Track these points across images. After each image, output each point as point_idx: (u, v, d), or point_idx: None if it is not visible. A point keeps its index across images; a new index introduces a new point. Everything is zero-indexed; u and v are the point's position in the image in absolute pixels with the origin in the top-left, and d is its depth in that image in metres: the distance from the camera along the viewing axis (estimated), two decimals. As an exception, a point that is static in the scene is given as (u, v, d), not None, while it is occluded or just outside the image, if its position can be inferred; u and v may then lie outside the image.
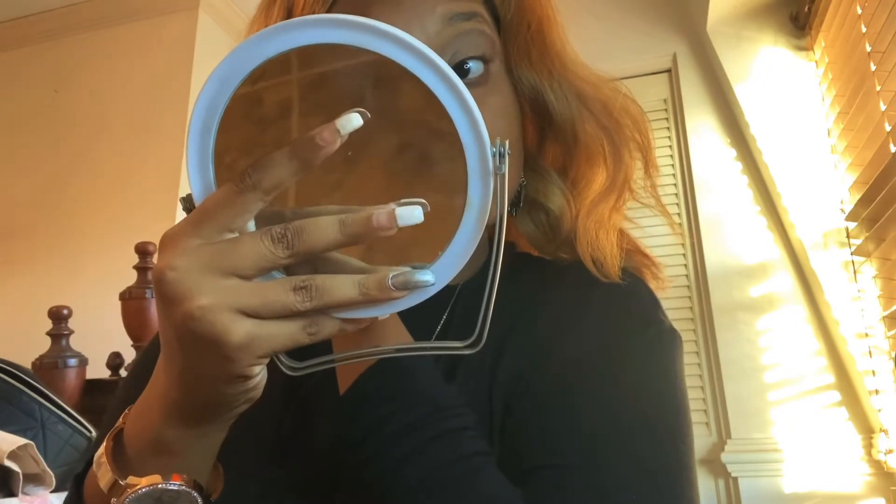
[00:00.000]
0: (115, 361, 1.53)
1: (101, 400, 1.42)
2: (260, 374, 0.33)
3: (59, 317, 1.47)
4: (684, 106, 1.91)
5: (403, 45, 0.31)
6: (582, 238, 0.50)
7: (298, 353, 0.35)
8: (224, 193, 0.31)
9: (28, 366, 1.33)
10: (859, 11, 1.43)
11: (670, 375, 0.46)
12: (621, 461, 0.40)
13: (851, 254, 1.57)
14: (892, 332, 1.42)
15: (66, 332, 1.48)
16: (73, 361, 1.46)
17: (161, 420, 0.35)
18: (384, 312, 0.34)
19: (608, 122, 0.52)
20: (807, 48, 1.73)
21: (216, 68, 0.32)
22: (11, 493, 1.00)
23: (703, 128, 1.88)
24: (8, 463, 0.98)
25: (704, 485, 1.71)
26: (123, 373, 1.52)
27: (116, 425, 0.38)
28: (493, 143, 0.33)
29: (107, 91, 2.23)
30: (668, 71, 2.00)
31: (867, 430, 1.58)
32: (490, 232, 0.51)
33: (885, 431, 1.50)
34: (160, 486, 0.35)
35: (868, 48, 1.40)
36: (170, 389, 0.34)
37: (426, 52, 0.31)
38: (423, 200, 0.32)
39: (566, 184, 0.53)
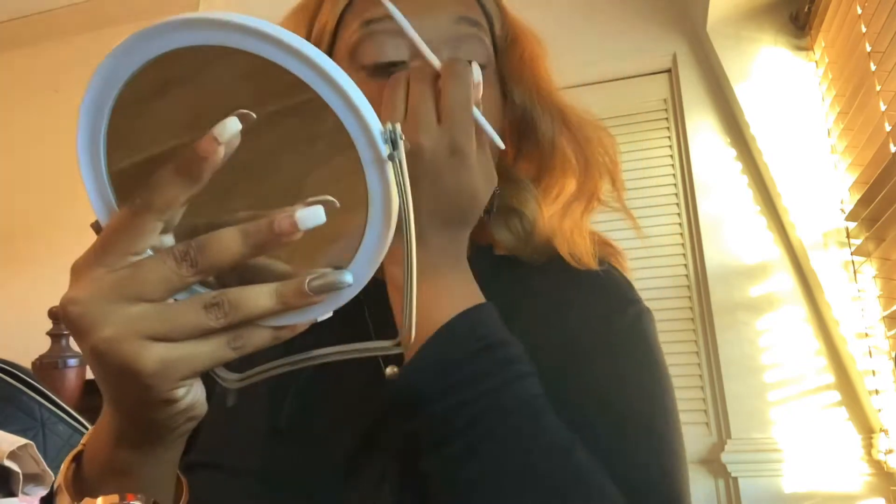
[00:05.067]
0: (115, 361, 1.52)
1: (100, 400, 1.41)
2: (190, 395, 0.32)
3: (59, 317, 1.47)
4: (684, 106, 1.91)
5: (271, 41, 0.29)
6: (559, 237, 0.54)
7: (247, 359, 0.34)
8: (120, 218, 0.30)
9: (28, 366, 1.33)
10: (859, 11, 1.43)
11: (654, 346, 0.51)
12: (629, 425, 0.44)
13: (851, 254, 1.57)
14: (892, 332, 1.42)
15: (66, 332, 1.48)
16: (73, 361, 1.46)
17: (112, 445, 0.35)
18: (311, 317, 0.33)
19: (584, 142, 0.56)
20: (807, 48, 1.73)
21: (88, 87, 0.31)
22: (11, 493, 1.00)
23: (703, 128, 1.88)
24: (8, 463, 0.98)
25: (704, 485, 1.71)
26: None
27: (76, 448, 0.39)
28: (384, 130, 0.31)
29: (107, 91, 2.23)
30: (668, 71, 2.00)
31: (867, 430, 1.58)
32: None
33: (885, 431, 1.50)
34: None
35: (868, 48, 1.40)
36: (111, 416, 0.34)
37: (296, 44, 0.29)
38: (330, 198, 0.30)
39: (538, 192, 0.57)
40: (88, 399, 1.44)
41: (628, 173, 1.94)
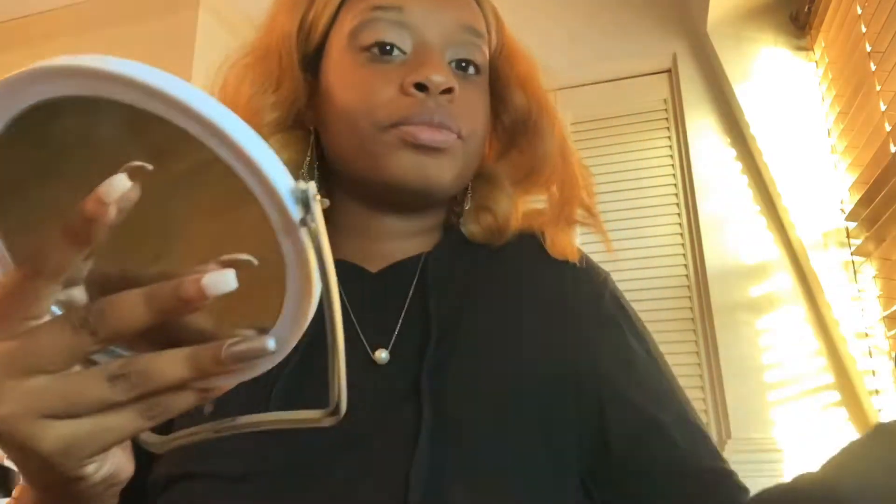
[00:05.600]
0: (115, 361, 1.52)
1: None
2: (104, 468, 0.30)
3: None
4: (684, 106, 1.91)
5: (157, 96, 0.25)
6: (558, 244, 0.58)
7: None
8: (12, 282, 0.27)
9: (28, 366, 1.33)
10: (859, 11, 1.43)
11: (637, 320, 0.57)
12: (687, 417, 0.51)
13: (851, 254, 1.57)
14: (892, 332, 1.42)
15: (66, 332, 1.48)
16: (73, 361, 1.45)
17: None
18: (233, 382, 0.30)
19: (569, 163, 0.60)
20: (807, 48, 1.73)
21: None
22: (11, 493, 1.00)
23: (703, 128, 1.88)
24: (8, 463, 0.98)
25: (704, 485, 1.71)
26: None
27: (10, 500, 0.37)
28: (295, 187, 0.26)
29: (107, 91, 2.23)
30: (668, 71, 2.00)
31: (867, 430, 1.58)
32: (438, 220, 0.60)
33: (885, 431, 1.50)
34: None
35: (868, 48, 1.40)
36: (32, 492, 0.32)
37: (182, 96, 0.24)
38: (245, 257, 0.27)
39: (517, 192, 0.60)
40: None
41: (628, 173, 1.94)
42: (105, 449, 0.28)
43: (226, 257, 0.27)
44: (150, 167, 0.25)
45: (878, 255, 1.46)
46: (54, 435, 0.26)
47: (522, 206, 0.61)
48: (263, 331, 0.29)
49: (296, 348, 0.39)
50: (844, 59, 1.53)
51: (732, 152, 1.84)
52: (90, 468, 0.29)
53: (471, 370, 0.48)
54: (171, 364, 0.27)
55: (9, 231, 0.29)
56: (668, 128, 1.96)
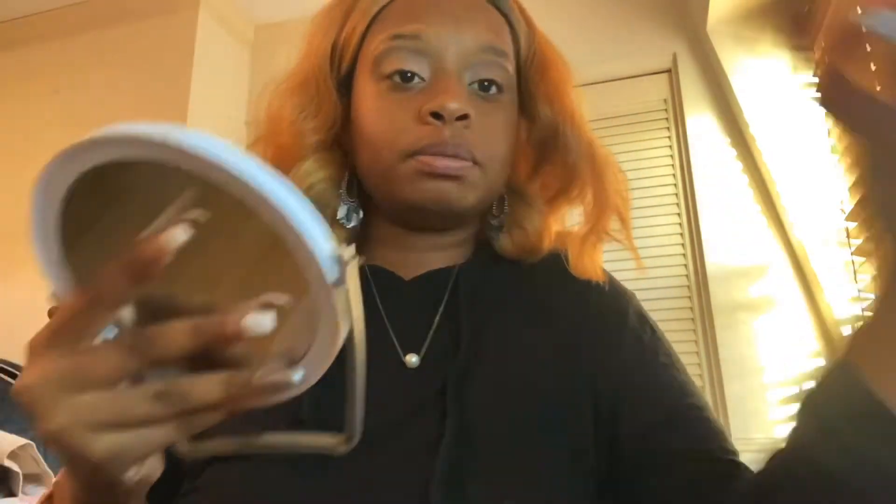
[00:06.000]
0: (115, 361, 1.52)
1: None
2: (143, 470, 0.33)
3: (59, 317, 1.47)
4: (684, 106, 1.91)
5: (217, 167, 0.28)
6: (584, 263, 0.58)
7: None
8: (73, 306, 0.31)
9: (28, 366, 1.33)
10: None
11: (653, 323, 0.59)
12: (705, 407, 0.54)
13: (851, 254, 1.57)
14: (892, 332, 1.42)
15: (66, 332, 1.48)
16: (73, 361, 1.45)
17: (72, 501, 0.36)
18: (254, 405, 0.33)
19: (603, 178, 0.59)
20: (807, 48, 1.73)
21: (36, 181, 0.32)
22: (11, 493, 1.00)
23: (703, 128, 1.88)
24: (8, 463, 0.98)
25: (704, 485, 1.71)
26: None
27: (46, 492, 0.41)
28: (333, 251, 0.29)
29: (107, 91, 2.23)
30: (668, 71, 2.00)
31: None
32: (470, 233, 0.61)
33: (885, 431, 1.50)
34: None
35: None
36: (72, 488, 0.36)
37: (236, 169, 0.27)
38: (284, 301, 0.31)
39: (552, 208, 0.60)
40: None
41: (628, 173, 1.93)
42: (146, 457, 0.32)
43: (264, 299, 0.31)
44: (203, 219, 0.29)
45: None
46: (103, 445, 0.30)
47: (558, 225, 0.61)
48: (292, 360, 0.32)
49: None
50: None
51: (732, 152, 1.84)
52: (131, 472, 0.32)
53: (495, 380, 0.50)
54: (207, 387, 0.31)
55: (77, 265, 0.33)
56: (668, 128, 1.96)
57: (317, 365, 0.33)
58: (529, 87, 0.59)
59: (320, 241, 0.29)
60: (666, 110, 1.98)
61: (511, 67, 0.56)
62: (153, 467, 0.35)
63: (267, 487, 0.45)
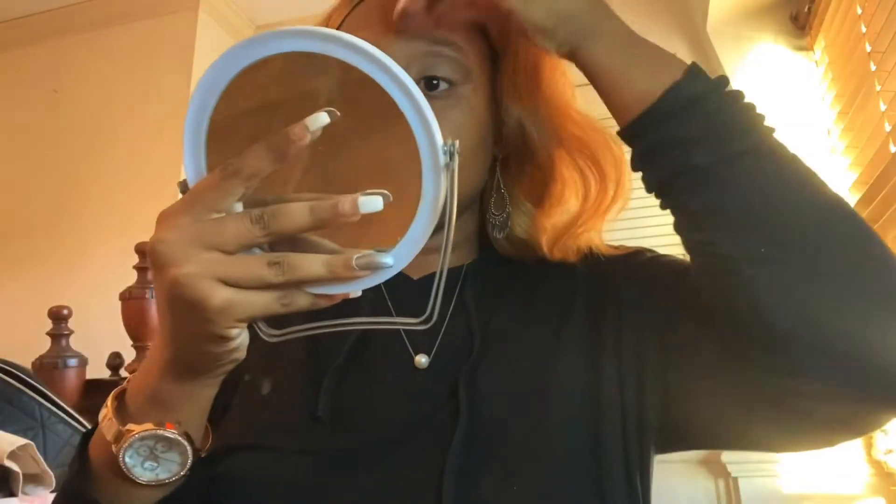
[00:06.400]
0: (115, 361, 1.53)
1: (101, 400, 1.41)
2: (240, 336, 0.38)
3: (59, 317, 1.47)
4: (684, 106, 1.91)
5: (365, 55, 0.35)
6: (560, 254, 0.56)
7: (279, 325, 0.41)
8: (211, 179, 0.35)
9: (28, 366, 1.33)
10: (859, 11, 1.43)
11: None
12: None
13: (851, 254, 1.57)
14: (892, 332, 1.42)
15: (66, 332, 1.48)
16: (73, 361, 1.46)
17: (158, 376, 0.40)
18: (350, 289, 0.38)
19: (584, 162, 0.56)
20: (807, 48, 1.73)
21: (206, 71, 0.36)
22: (11, 493, 1.00)
23: (703, 128, 1.88)
24: (8, 463, 0.98)
25: (704, 485, 1.71)
26: (123, 373, 1.52)
27: (120, 387, 0.44)
28: (445, 143, 0.37)
29: (107, 91, 2.23)
30: (668, 71, 2.00)
31: (867, 430, 1.58)
32: (467, 232, 0.60)
33: (885, 431, 1.50)
34: (155, 431, 0.40)
35: (868, 48, 1.40)
36: (164, 349, 0.39)
37: (385, 60, 0.35)
38: (386, 192, 0.35)
39: (541, 211, 0.57)
40: (88, 399, 1.44)
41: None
42: (251, 318, 0.36)
43: (369, 191, 0.35)
44: (339, 115, 0.34)
45: (878, 255, 1.46)
46: (221, 295, 0.34)
47: (552, 220, 0.58)
48: (379, 251, 0.37)
49: (339, 351, 0.52)
50: (844, 59, 1.53)
51: (732, 152, 1.84)
52: (234, 331, 0.36)
53: (505, 378, 0.50)
54: (312, 262, 0.35)
55: (212, 149, 0.38)
56: (668, 128, 1.96)
57: (409, 250, 0.38)
58: (503, 79, 0.56)
59: (438, 130, 0.37)
60: (666, 110, 1.98)
61: (464, 58, 0.53)
62: (244, 343, 0.39)
63: (286, 482, 0.46)
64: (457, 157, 0.37)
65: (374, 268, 0.36)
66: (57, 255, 2.11)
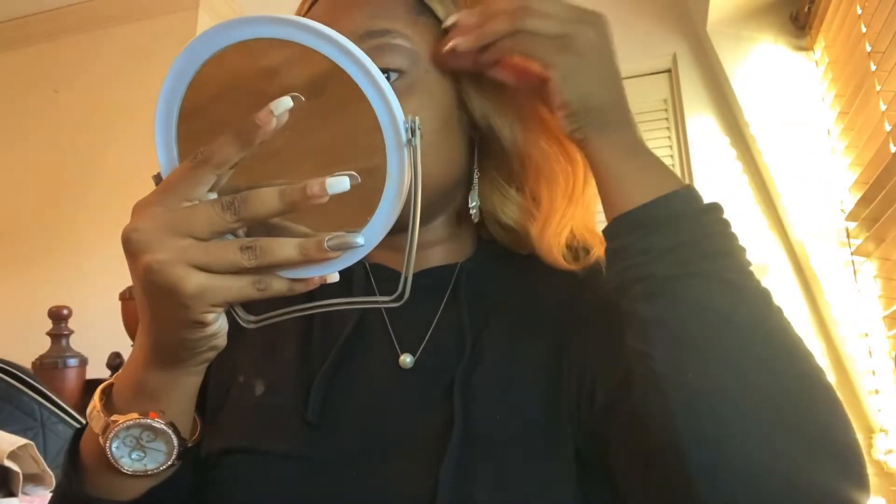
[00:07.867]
0: (115, 361, 1.53)
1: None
2: (217, 322, 0.38)
3: (59, 317, 1.47)
4: (684, 106, 1.91)
5: (325, 38, 0.36)
6: (546, 249, 0.53)
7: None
8: (182, 169, 0.36)
9: (28, 366, 1.33)
10: (859, 11, 1.43)
11: None
12: None
13: (851, 254, 1.57)
14: (893, 332, 1.42)
15: (66, 332, 1.48)
16: (73, 361, 1.46)
17: (141, 366, 0.41)
18: (325, 272, 0.39)
19: (548, 144, 0.53)
20: (807, 48, 1.73)
21: (172, 64, 0.38)
22: (11, 493, 1.00)
23: (703, 128, 1.88)
24: (8, 463, 0.98)
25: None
26: (123, 373, 1.52)
27: (106, 381, 0.45)
28: (406, 120, 0.38)
29: (107, 91, 2.23)
30: (668, 71, 2.00)
31: (867, 430, 1.58)
32: (454, 227, 0.59)
33: (885, 431, 1.50)
34: (139, 420, 0.40)
35: (868, 48, 1.40)
36: (144, 338, 0.40)
37: (345, 43, 0.36)
38: (353, 173, 0.36)
39: (525, 198, 0.56)
40: (88, 399, 1.44)
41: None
42: (226, 302, 0.37)
43: (337, 173, 0.36)
44: (303, 98, 0.35)
45: (878, 255, 1.46)
46: (195, 281, 0.35)
47: (536, 207, 0.56)
48: (350, 232, 0.38)
49: (330, 352, 0.52)
50: (844, 59, 1.53)
51: (732, 152, 1.84)
52: (211, 316, 0.37)
53: (497, 381, 0.49)
54: (284, 246, 0.36)
55: (184, 139, 0.39)
56: (668, 128, 1.97)
57: (379, 230, 0.39)
58: (463, 73, 0.52)
59: (399, 108, 0.38)
60: (666, 110, 1.98)
61: (406, 43, 0.50)
62: (222, 329, 0.39)
63: (279, 487, 0.46)
64: (418, 133, 0.38)
65: (346, 248, 0.37)
66: (57, 255, 2.11)
